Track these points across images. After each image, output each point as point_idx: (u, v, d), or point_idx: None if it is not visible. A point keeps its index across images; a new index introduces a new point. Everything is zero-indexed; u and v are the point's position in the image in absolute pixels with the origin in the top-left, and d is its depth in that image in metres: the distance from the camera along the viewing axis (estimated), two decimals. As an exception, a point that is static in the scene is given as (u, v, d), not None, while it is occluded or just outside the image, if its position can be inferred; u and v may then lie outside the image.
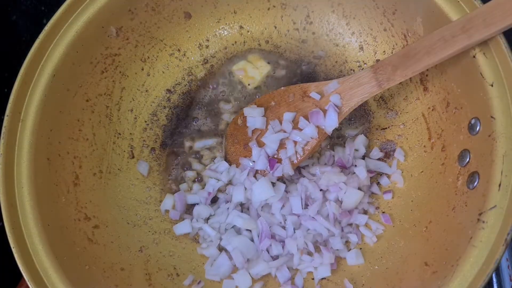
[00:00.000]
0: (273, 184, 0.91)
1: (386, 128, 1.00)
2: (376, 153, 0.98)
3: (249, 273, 0.90)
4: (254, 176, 0.94)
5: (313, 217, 0.90)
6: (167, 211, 0.98)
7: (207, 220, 0.96)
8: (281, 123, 0.94)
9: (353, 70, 1.05)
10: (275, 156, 0.94)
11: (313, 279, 0.89)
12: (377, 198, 0.95)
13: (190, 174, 1.01)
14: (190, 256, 0.95)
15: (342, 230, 0.92)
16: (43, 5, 1.11)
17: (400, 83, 0.98)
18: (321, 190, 0.92)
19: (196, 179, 1.01)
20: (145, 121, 1.05)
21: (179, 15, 1.06)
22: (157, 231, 0.96)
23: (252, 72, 1.08)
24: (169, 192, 1.00)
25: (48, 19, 0.89)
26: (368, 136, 1.00)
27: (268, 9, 1.08)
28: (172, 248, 0.95)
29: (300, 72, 1.07)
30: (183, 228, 0.96)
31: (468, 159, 0.80)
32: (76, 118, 0.94)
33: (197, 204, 0.97)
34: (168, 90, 1.08)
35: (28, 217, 0.79)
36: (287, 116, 0.94)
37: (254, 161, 0.95)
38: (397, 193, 0.94)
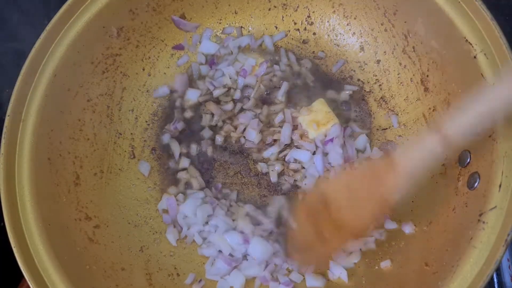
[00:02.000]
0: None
1: (386, 128, 1.00)
2: (376, 153, 0.98)
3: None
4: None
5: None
6: (164, 210, 0.98)
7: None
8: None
9: (354, 71, 1.05)
10: None
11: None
12: (378, 199, 0.95)
13: (183, 175, 1.01)
14: (190, 256, 0.95)
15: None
16: (44, 5, 1.11)
17: (401, 83, 0.99)
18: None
19: (187, 182, 1.01)
20: (146, 121, 1.05)
21: (180, 15, 1.06)
22: (157, 231, 0.97)
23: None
24: (166, 193, 1.00)
25: (49, 19, 0.89)
26: (369, 136, 1.00)
27: (269, 9, 1.08)
28: (172, 248, 0.95)
29: (301, 73, 1.07)
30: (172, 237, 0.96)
31: (468, 160, 0.80)
32: (77, 118, 0.94)
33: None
34: (169, 91, 1.08)
35: (29, 217, 0.79)
36: None
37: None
38: (397, 193, 0.94)
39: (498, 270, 0.94)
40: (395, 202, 0.73)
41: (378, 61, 1.03)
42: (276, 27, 1.10)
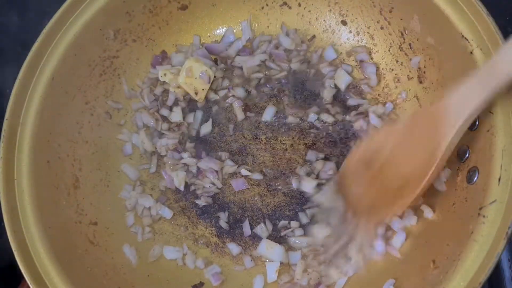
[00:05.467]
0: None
1: (385, 126, 1.00)
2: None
3: None
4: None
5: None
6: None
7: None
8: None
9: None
10: None
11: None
12: (377, 196, 0.96)
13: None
14: (191, 257, 0.95)
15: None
16: (42, 7, 1.11)
17: (398, 80, 0.99)
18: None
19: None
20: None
21: (177, 16, 1.06)
22: (158, 232, 0.97)
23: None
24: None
25: (46, 22, 0.89)
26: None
27: (262, 7, 1.08)
28: (173, 248, 0.96)
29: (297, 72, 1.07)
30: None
31: (467, 155, 0.81)
32: (76, 121, 0.94)
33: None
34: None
35: (29, 220, 0.80)
36: None
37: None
38: (397, 190, 0.94)
39: (499, 271, 0.94)
40: (447, 152, 0.74)
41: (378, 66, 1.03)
42: (268, 27, 1.10)
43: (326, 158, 0.98)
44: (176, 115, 1.02)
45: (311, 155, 0.98)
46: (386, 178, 0.80)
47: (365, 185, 0.84)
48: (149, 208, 0.97)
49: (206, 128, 1.02)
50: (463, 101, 0.71)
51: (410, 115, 0.82)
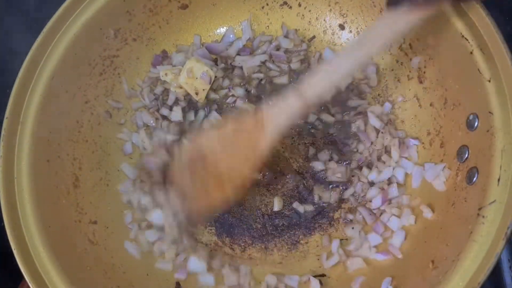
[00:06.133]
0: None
1: (385, 125, 1.00)
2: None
3: None
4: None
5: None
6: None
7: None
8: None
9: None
10: None
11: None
12: (377, 196, 0.96)
13: None
14: (191, 256, 0.95)
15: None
16: (42, 6, 1.11)
17: (398, 80, 0.99)
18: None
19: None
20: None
21: (177, 16, 1.06)
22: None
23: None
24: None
25: (46, 21, 0.89)
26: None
27: (263, 7, 1.08)
28: (173, 248, 0.95)
29: (297, 72, 1.07)
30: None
31: (467, 155, 0.81)
32: (75, 120, 0.94)
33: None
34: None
35: (29, 219, 0.80)
36: None
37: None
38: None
39: (499, 271, 0.94)
40: (264, 155, 0.81)
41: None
42: (268, 27, 1.10)
43: (325, 158, 0.98)
44: (176, 115, 1.02)
45: (310, 154, 0.98)
46: (212, 172, 0.82)
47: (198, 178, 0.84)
48: (149, 207, 0.97)
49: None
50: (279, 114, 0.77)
51: (234, 119, 0.83)
